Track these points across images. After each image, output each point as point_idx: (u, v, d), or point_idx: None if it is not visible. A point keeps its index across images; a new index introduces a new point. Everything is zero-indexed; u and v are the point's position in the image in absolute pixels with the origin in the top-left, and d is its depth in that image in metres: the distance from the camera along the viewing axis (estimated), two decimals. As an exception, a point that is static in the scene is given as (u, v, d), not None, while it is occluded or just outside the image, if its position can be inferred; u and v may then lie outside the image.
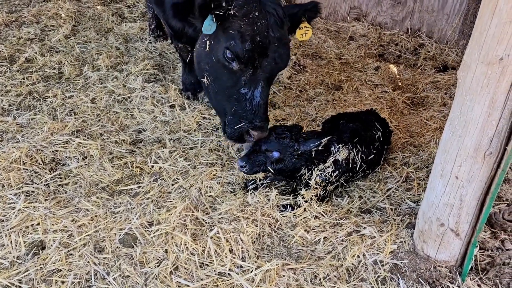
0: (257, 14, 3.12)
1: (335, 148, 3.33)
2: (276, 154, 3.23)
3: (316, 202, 3.29)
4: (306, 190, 3.28)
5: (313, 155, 3.27)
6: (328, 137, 3.29)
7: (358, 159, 3.40)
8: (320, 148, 3.25)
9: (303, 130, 3.62)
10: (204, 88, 3.56)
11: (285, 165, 3.27)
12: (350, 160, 3.36)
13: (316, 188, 3.27)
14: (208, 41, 3.27)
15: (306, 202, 3.27)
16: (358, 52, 5.78)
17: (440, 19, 5.96)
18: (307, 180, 3.29)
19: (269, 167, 3.26)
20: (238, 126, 3.19)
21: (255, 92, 3.17)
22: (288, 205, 3.31)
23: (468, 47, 2.26)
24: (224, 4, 3.08)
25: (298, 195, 3.33)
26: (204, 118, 4.27)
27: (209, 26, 3.17)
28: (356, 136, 3.48)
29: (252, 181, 3.49)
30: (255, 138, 3.22)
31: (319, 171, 3.27)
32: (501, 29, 2.05)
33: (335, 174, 3.30)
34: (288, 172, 3.33)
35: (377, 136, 3.60)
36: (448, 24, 5.93)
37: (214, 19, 3.14)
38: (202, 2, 3.12)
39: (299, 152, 3.25)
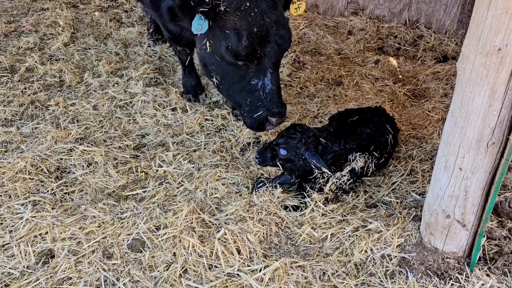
0: (248, 4, 3.08)
1: (352, 156, 3.28)
2: (283, 152, 3.20)
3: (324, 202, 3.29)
4: (318, 194, 3.26)
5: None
6: (330, 174, 3.18)
7: (372, 166, 3.39)
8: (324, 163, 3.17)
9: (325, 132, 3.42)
10: (215, 86, 3.62)
11: (295, 165, 3.23)
12: (365, 168, 3.34)
13: (327, 194, 3.26)
14: (208, 42, 3.26)
15: (316, 203, 3.26)
16: (357, 46, 5.77)
17: (438, 10, 5.94)
18: (322, 186, 3.24)
19: (278, 163, 3.27)
20: (256, 115, 3.25)
21: (265, 80, 3.21)
22: (297, 207, 3.30)
23: (466, 39, 2.26)
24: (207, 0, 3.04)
25: (306, 196, 3.31)
26: (206, 119, 4.28)
27: (199, 26, 3.15)
28: (373, 143, 3.40)
29: (261, 184, 3.47)
30: (275, 124, 3.29)
31: (335, 178, 3.22)
32: (497, 19, 2.05)
33: (349, 182, 3.27)
34: (299, 172, 3.29)
35: (389, 140, 3.55)
36: (446, 14, 5.91)
37: (202, 17, 3.12)
38: (180, 2, 3.07)
39: (303, 157, 3.18)
